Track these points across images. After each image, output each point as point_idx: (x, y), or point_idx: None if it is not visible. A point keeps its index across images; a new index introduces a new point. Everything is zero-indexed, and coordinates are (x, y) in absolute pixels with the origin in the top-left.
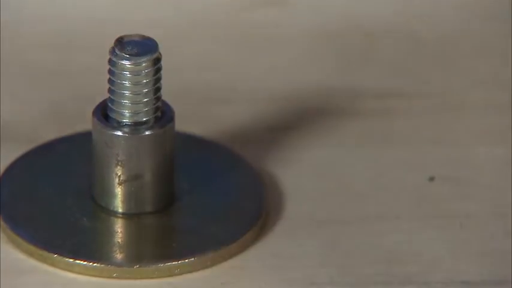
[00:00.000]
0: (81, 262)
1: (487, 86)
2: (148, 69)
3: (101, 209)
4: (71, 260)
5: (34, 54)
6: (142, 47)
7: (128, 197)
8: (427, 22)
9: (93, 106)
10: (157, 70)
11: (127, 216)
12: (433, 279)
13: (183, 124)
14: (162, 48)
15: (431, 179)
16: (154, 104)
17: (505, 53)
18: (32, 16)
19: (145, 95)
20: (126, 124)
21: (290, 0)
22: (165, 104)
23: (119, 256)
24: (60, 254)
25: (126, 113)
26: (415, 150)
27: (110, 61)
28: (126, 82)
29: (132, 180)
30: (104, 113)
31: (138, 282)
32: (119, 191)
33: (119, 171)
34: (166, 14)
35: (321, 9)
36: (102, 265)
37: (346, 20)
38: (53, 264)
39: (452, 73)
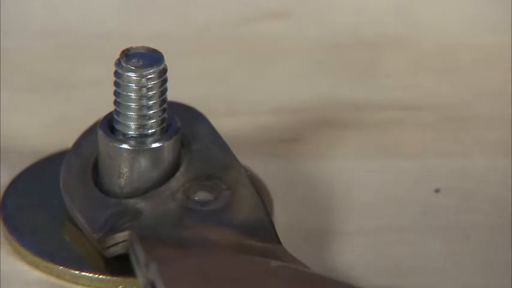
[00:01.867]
0: (87, 274)
1: (491, 98)
2: (154, 82)
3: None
4: (77, 272)
5: (40, 67)
6: (148, 59)
7: None
8: (432, 34)
9: (99, 119)
10: (163, 82)
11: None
12: None
13: None
14: (167, 61)
15: (437, 190)
16: (160, 116)
17: (508, 66)
18: (38, 29)
19: (151, 107)
20: (132, 136)
21: (295, 13)
22: (171, 116)
23: (124, 268)
24: (66, 265)
25: (132, 125)
26: (421, 162)
27: (116, 73)
28: (132, 94)
29: (135, 192)
30: (110, 125)
31: None
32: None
33: (121, 183)
34: (172, 27)
35: (325, 22)
36: (108, 277)
37: (350, 32)
38: (58, 276)
39: (456, 85)
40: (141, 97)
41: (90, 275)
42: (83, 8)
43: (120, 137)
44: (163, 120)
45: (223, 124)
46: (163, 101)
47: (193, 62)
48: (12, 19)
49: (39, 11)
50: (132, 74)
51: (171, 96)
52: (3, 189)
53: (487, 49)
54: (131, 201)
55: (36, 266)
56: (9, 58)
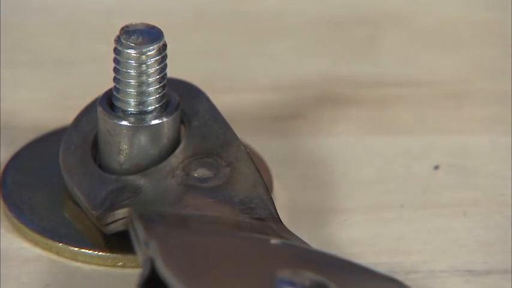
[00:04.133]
0: (87, 251)
1: (490, 75)
2: (154, 58)
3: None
4: (76, 248)
5: (40, 44)
6: (147, 35)
7: None
8: (431, 11)
9: (98, 95)
10: (163, 59)
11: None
12: (437, 268)
13: None
14: (167, 37)
15: (436, 167)
16: (160, 93)
17: (508, 42)
18: (39, 5)
19: (151, 84)
20: (131, 113)
21: None
22: (170, 92)
23: (124, 245)
24: (66, 242)
25: (132, 102)
26: (420, 138)
27: (116, 50)
28: (132, 71)
29: (134, 169)
30: (110, 102)
31: None
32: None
33: (121, 159)
34: (172, 4)
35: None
36: (108, 254)
37: (350, 8)
38: (58, 253)
39: (456, 62)
40: (140, 74)
41: (90, 251)
42: None
43: (120, 114)
44: (162, 97)
45: (223, 101)
46: (163, 77)
47: (193, 39)
48: None
49: None
50: (131, 51)
51: (170, 72)
52: (3, 166)
53: (487, 26)
54: (131, 177)
55: (35, 243)
56: (9, 34)
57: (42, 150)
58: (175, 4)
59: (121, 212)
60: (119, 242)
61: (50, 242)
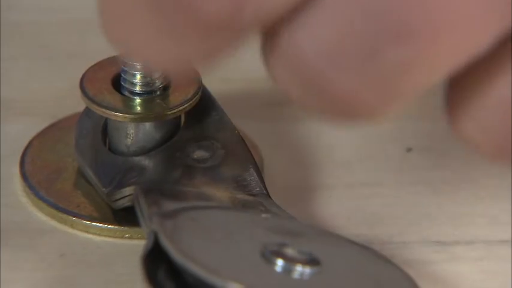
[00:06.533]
0: (97, 224)
1: None
2: None
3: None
4: (88, 222)
5: (53, 39)
6: None
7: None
8: None
9: None
10: None
11: None
12: (410, 239)
13: None
14: None
15: (409, 150)
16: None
17: None
18: (54, 5)
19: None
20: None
21: None
22: None
23: (131, 218)
24: (79, 216)
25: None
26: (394, 124)
27: None
28: (137, 65)
29: (140, 151)
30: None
31: None
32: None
33: (128, 143)
34: None
35: None
36: (116, 226)
37: None
38: (71, 225)
39: None
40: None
41: (100, 224)
42: None
43: None
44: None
45: (218, 90)
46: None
47: None
48: None
49: None
50: None
51: None
52: (22, 149)
53: None
54: (136, 159)
55: (52, 217)
56: (28, 31)
57: (57, 134)
58: None
59: (128, 190)
60: (126, 216)
61: (64, 216)
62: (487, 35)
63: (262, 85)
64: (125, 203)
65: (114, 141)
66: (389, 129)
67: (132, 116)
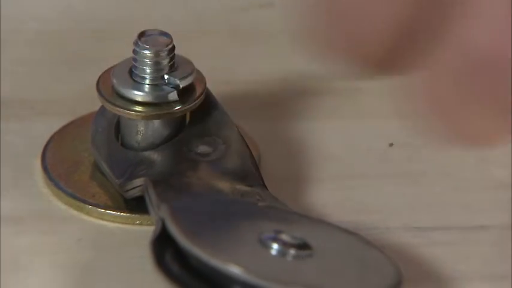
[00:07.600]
0: (111, 212)
1: None
2: (165, 58)
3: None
4: (103, 210)
5: (74, 46)
6: (159, 39)
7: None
8: None
9: None
10: (172, 58)
11: None
12: (392, 225)
13: None
14: (175, 40)
15: (391, 144)
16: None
17: None
18: (75, 16)
19: (163, 76)
20: None
21: (276, 3)
22: None
23: (141, 207)
24: (94, 205)
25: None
26: (377, 121)
27: (134, 51)
28: (147, 68)
29: (149, 146)
30: None
31: None
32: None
33: (139, 139)
34: (179, 14)
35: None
36: (128, 214)
37: None
38: (88, 213)
39: None
40: (154, 70)
41: (114, 212)
42: (105, 2)
43: None
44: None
45: (219, 91)
46: (172, 65)
47: (196, 42)
48: (56, 7)
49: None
50: (147, 52)
51: None
52: (44, 144)
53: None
54: (146, 153)
55: (69, 205)
56: (47, 39)
57: (75, 131)
58: (181, 14)
59: (138, 181)
60: (137, 205)
61: (81, 204)
62: None
63: (259, 87)
64: (135, 193)
65: (125, 138)
66: (373, 126)
67: (143, 114)
